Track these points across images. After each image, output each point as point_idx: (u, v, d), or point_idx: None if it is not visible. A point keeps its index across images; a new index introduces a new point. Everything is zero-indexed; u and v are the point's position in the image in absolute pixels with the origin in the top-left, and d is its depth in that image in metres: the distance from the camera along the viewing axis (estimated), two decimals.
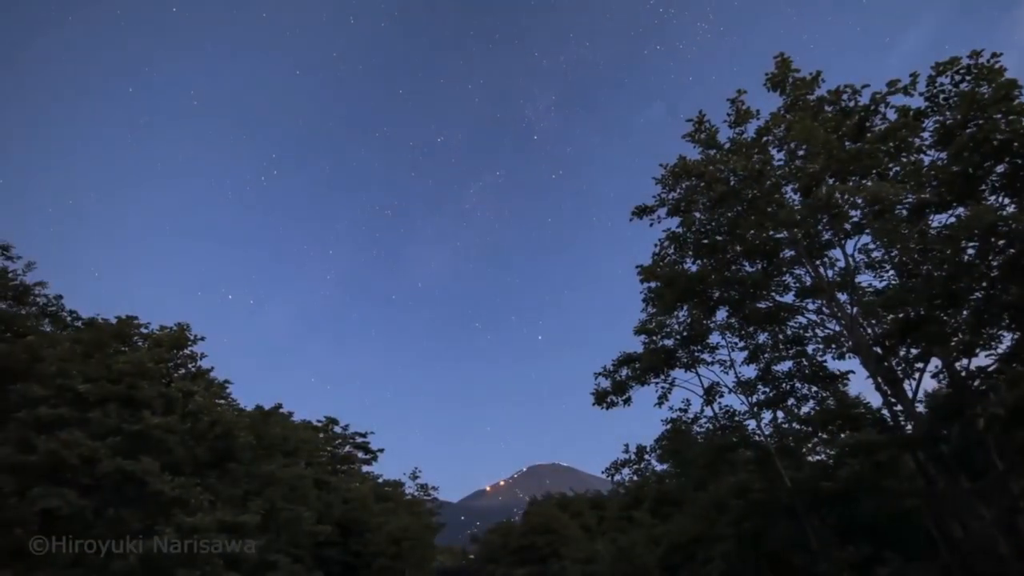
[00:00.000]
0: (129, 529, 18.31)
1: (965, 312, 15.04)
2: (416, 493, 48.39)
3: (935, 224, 16.57)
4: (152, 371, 21.56)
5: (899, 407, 17.17)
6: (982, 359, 15.82)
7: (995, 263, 14.10)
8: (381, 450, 52.76)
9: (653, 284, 22.21)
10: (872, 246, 18.87)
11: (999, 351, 15.57)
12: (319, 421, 47.99)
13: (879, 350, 17.18)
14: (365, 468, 50.87)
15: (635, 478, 27.15)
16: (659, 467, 26.66)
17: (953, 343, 15.13)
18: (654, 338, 24.20)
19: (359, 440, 50.93)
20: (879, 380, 17.20)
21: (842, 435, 20.61)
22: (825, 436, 20.89)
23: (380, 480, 50.23)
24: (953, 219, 15.44)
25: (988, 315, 14.50)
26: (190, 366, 25.03)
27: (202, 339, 25.19)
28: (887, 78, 17.43)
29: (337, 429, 49.39)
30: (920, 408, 17.61)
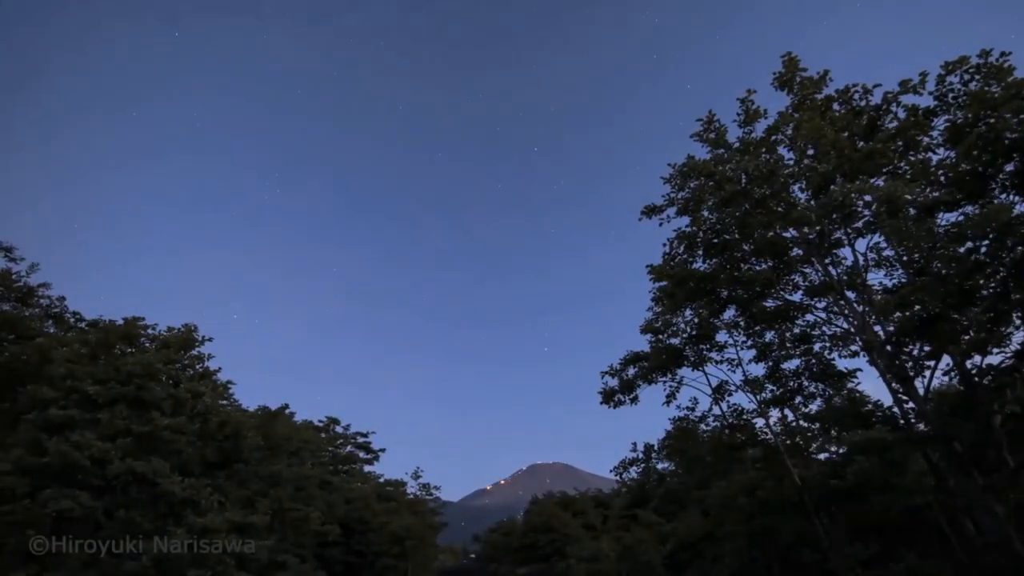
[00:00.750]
0: (140, 530, 18.23)
1: (976, 310, 15.10)
2: (418, 493, 48.33)
3: (944, 223, 16.62)
4: (161, 372, 21.47)
5: (910, 404, 17.24)
6: (992, 356, 15.92)
7: (1006, 260, 14.17)
8: (383, 450, 52.80)
9: (663, 283, 22.25)
10: (883, 244, 18.94)
11: (1010, 349, 15.65)
12: (320, 421, 47.99)
13: (889, 348, 17.24)
14: (367, 468, 50.87)
15: (636, 477, 27.16)
16: (662, 466, 26.74)
17: (965, 340, 15.21)
18: (660, 337, 24.26)
19: (360, 440, 50.94)
20: (889, 378, 17.28)
21: (845, 433, 20.66)
22: (834, 434, 20.98)
23: (382, 480, 50.22)
24: (962, 217, 15.49)
25: (999, 313, 14.58)
26: (197, 366, 24.92)
27: (210, 340, 25.09)
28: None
29: (338, 429, 49.41)
30: (930, 406, 17.69)
